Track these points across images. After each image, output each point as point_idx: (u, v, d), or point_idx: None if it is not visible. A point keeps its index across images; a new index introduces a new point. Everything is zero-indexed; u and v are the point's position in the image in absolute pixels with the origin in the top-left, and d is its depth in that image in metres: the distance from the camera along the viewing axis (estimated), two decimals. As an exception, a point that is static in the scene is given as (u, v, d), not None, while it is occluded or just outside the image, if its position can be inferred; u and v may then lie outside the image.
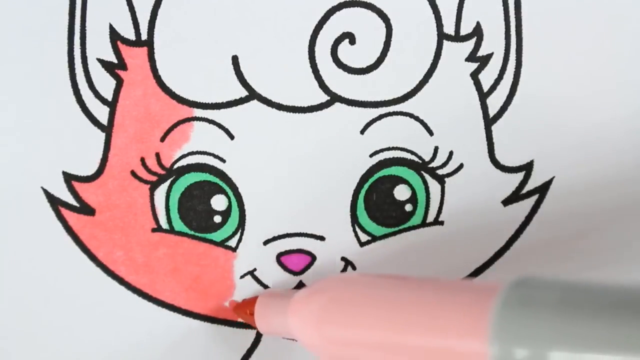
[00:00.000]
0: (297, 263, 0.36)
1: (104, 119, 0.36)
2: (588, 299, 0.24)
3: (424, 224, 0.37)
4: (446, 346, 0.26)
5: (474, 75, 0.36)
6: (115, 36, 0.36)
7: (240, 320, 0.36)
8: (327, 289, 0.31)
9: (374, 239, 0.37)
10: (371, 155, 0.36)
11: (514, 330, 0.24)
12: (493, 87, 0.36)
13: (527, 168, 0.37)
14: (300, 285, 0.36)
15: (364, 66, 0.36)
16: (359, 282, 0.31)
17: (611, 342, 0.22)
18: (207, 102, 0.36)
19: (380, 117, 0.36)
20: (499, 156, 0.37)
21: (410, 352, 0.27)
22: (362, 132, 0.36)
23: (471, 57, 0.36)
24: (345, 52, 0.36)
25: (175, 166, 0.36)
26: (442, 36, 0.36)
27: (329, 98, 0.36)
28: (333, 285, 0.31)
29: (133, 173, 0.36)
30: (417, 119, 0.36)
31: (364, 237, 0.37)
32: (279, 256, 0.36)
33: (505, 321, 0.24)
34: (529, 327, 0.24)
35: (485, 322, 0.24)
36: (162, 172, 0.36)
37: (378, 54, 0.36)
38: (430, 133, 0.36)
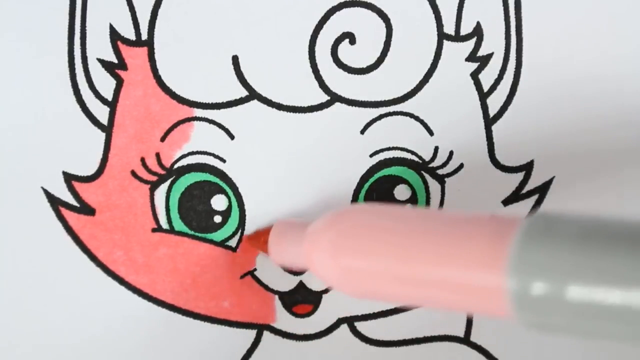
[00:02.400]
0: (297, 263, 0.36)
1: (104, 119, 0.36)
2: (608, 233, 0.23)
3: (424, 224, 0.37)
4: (463, 278, 0.25)
5: (474, 75, 0.36)
6: (115, 36, 0.36)
7: (241, 320, 0.36)
8: (345, 218, 0.30)
9: (374, 239, 0.37)
10: (371, 155, 0.36)
11: (533, 263, 0.24)
12: (493, 87, 0.36)
13: (527, 168, 0.37)
14: (300, 285, 0.36)
15: (364, 66, 0.36)
16: (377, 212, 0.30)
17: (630, 276, 0.22)
18: (207, 102, 0.36)
19: (380, 117, 0.36)
20: (499, 156, 0.37)
21: (425, 282, 0.26)
22: (362, 132, 0.36)
23: (471, 57, 0.36)
24: (345, 52, 0.36)
25: (176, 166, 0.36)
26: (442, 36, 0.36)
27: (329, 98, 0.36)
28: (351, 214, 0.30)
29: (133, 173, 0.36)
30: (417, 119, 0.36)
31: (364, 237, 0.36)
32: (279, 256, 0.36)
33: (524, 254, 0.24)
34: (548, 260, 0.23)
35: (504, 254, 0.24)
36: (162, 172, 0.36)
37: (378, 54, 0.36)
38: (430, 133, 0.36)
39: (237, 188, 0.36)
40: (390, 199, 0.36)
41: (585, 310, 0.23)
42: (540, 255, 0.24)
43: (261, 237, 0.35)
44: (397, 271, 0.27)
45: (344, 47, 0.36)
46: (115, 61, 0.36)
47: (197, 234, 0.36)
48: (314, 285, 0.36)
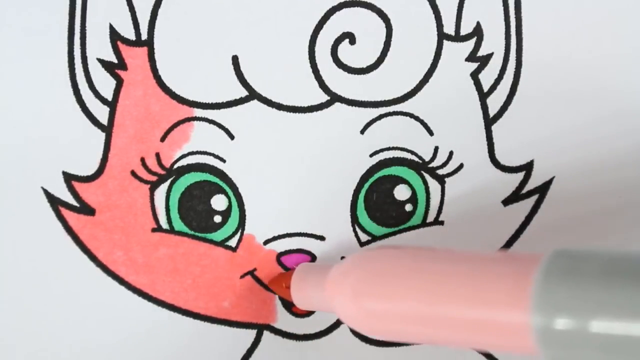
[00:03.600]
0: (297, 263, 0.36)
1: (104, 119, 0.36)
2: (630, 268, 0.24)
3: (424, 224, 0.37)
4: (487, 317, 0.26)
5: (474, 75, 0.36)
6: (115, 36, 0.36)
7: (241, 320, 0.36)
8: (366, 261, 0.30)
9: (374, 238, 0.37)
10: (371, 155, 0.36)
11: (556, 300, 0.24)
12: (493, 87, 0.36)
13: (527, 168, 0.37)
14: (300, 285, 0.36)
15: (364, 66, 0.36)
16: (398, 254, 0.30)
17: None
18: (207, 102, 0.36)
19: (380, 117, 0.36)
20: (499, 156, 0.37)
21: (449, 323, 0.27)
22: (362, 132, 0.36)
23: (471, 57, 0.36)
24: (345, 52, 0.36)
25: (176, 166, 0.36)
26: (442, 36, 0.36)
27: (329, 98, 0.36)
28: (371, 257, 0.30)
29: (133, 173, 0.36)
30: (417, 119, 0.36)
31: (364, 237, 0.37)
32: (279, 256, 0.36)
33: (547, 291, 0.24)
34: (572, 297, 0.24)
35: (527, 292, 0.24)
36: (162, 172, 0.36)
37: (378, 54, 0.36)
38: (430, 133, 0.36)
39: (237, 188, 0.36)
40: (390, 199, 0.36)
41: (609, 344, 0.23)
42: (563, 292, 0.24)
43: (282, 282, 0.35)
44: (421, 313, 0.28)
45: (344, 47, 0.36)
46: (115, 61, 0.36)
47: (197, 234, 0.36)
48: (314, 285, 0.36)
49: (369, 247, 0.33)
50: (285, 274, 0.36)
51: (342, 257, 0.36)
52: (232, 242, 0.36)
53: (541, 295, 0.24)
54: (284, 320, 0.37)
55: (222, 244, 0.36)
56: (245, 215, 0.36)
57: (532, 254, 0.26)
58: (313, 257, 0.36)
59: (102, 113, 0.36)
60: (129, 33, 0.36)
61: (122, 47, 0.36)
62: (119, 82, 0.36)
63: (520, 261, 0.26)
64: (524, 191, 0.37)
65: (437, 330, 0.27)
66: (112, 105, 0.36)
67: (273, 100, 0.36)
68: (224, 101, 0.36)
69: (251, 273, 0.36)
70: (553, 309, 0.24)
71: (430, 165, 0.36)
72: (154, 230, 0.36)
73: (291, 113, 0.36)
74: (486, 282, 0.26)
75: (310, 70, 0.36)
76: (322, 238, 0.36)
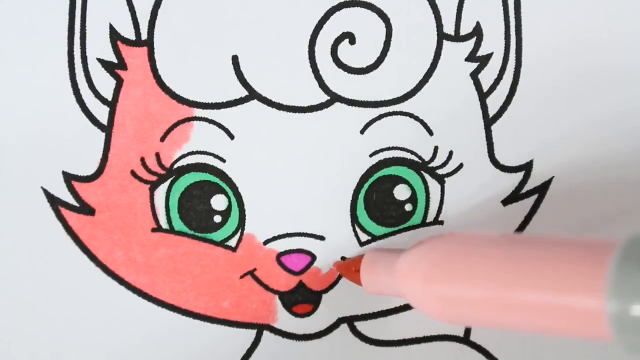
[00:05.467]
0: (297, 263, 0.36)
1: (104, 119, 0.36)
2: None
3: (424, 224, 0.37)
4: (561, 302, 0.25)
5: (474, 75, 0.36)
6: (115, 36, 0.36)
7: (241, 320, 0.36)
8: (436, 246, 0.30)
9: (374, 238, 0.37)
10: (371, 155, 0.36)
11: (633, 286, 0.24)
12: (493, 87, 0.36)
13: (527, 168, 0.37)
14: (300, 285, 0.36)
15: (364, 66, 0.36)
16: (469, 239, 0.30)
17: None
18: (207, 102, 0.36)
19: (380, 117, 0.36)
20: (499, 156, 0.37)
21: (521, 308, 0.27)
22: (362, 132, 0.36)
23: (471, 57, 0.36)
24: (346, 52, 0.36)
25: (176, 166, 0.36)
26: (442, 36, 0.36)
27: (329, 98, 0.36)
28: (442, 242, 0.30)
29: (133, 173, 0.36)
30: (417, 119, 0.36)
31: (364, 237, 0.37)
32: (279, 256, 0.36)
33: (623, 276, 0.24)
34: None
35: (603, 278, 0.24)
36: (162, 172, 0.36)
37: (378, 54, 0.36)
38: (430, 133, 0.36)
39: (237, 188, 0.36)
40: (390, 199, 0.36)
41: None
42: None
43: (352, 267, 0.35)
44: (492, 298, 0.27)
45: (344, 47, 0.36)
46: (115, 61, 0.36)
47: (197, 234, 0.36)
48: (314, 285, 0.36)
49: (439, 234, 0.32)
50: (356, 258, 0.35)
51: (343, 258, 0.36)
52: (232, 242, 0.36)
53: (618, 280, 0.24)
54: (284, 320, 0.37)
55: (222, 244, 0.36)
56: (245, 215, 0.36)
57: (607, 240, 0.26)
58: (313, 257, 0.36)
59: (102, 113, 0.36)
60: (129, 33, 0.36)
61: (122, 47, 0.36)
62: (119, 82, 0.36)
63: (596, 247, 0.26)
64: (523, 191, 0.37)
65: (508, 315, 0.27)
66: (112, 105, 0.36)
67: (273, 100, 0.36)
68: (224, 101, 0.36)
69: (251, 273, 0.36)
70: (630, 295, 0.24)
71: (430, 165, 0.36)
72: (154, 230, 0.36)
73: (291, 113, 0.36)
74: (560, 267, 0.26)
75: (310, 70, 0.36)
76: (322, 238, 0.36)
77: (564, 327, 0.26)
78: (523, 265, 0.27)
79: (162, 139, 0.36)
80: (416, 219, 0.37)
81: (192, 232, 0.36)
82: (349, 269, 0.35)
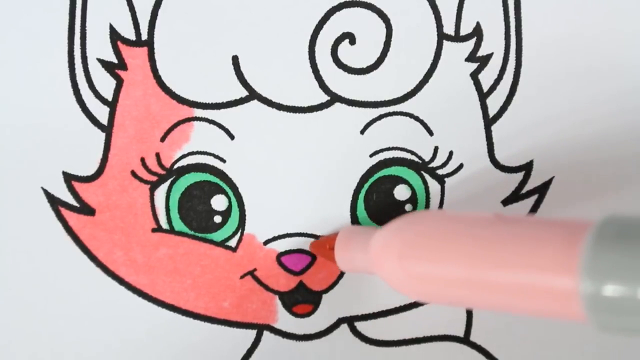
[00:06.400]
0: (297, 263, 0.36)
1: (104, 119, 0.36)
2: None
3: (424, 224, 0.37)
4: (535, 282, 0.25)
5: (474, 75, 0.36)
6: (115, 36, 0.36)
7: (241, 320, 0.36)
8: (411, 224, 0.30)
9: (374, 239, 0.37)
10: (371, 155, 0.36)
11: (606, 266, 0.23)
12: (493, 87, 0.37)
13: (527, 168, 0.37)
14: (300, 285, 0.36)
15: (364, 66, 0.36)
16: (444, 218, 0.30)
17: None
18: (207, 102, 0.36)
19: (380, 117, 0.36)
20: (498, 156, 0.37)
21: (495, 287, 0.26)
22: (362, 132, 0.36)
23: (471, 57, 0.36)
24: (346, 52, 0.36)
25: (176, 166, 0.36)
26: (442, 36, 0.36)
27: (329, 98, 0.36)
28: (417, 220, 0.30)
29: (133, 173, 0.36)
30: (417, 119, 0.36)
31: (364, 237, 0.37)
32: (279, 256, 0.36)
33: (597, 256, 0.24)
34: (622, 262, 0.23)
35: (576, 257, 0.24)
36: (162, 172, 0.36)
37: (378, 54, 0.36)
38: (430, 133, 0.36)
39: (237, 188, 0.36)
40: (390, 199, 0.36)
41: None
42: (613, 257, 0.23)
43: (326, 244, 0.35)
44: (466, 276, 0.27)
45: (344, 47, 0.36)
46: (115, 61, 0.36)
47: (197, 234, 0.36)
48: (314, 285, 0.36)
49: (414, 212, 0.32)
50: (330, 236, 0.35)
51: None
52: (232, 242, 0.36)
53: (591, 260, 0.24)
54: (284, 320, 0.37)
55: (222, 244, 0.36)
56: (245, 215, 0.36)
57: (582, 220, 0.25)
58: (313, 257, 0.36)
59: (102, 113, 0.36)
60: (129, 33, 0.36)
61: (122, 47, 0.36)
62: (119, 82, 0.36)
63: (571, 226, 0.25)
64: (523, 191, 0.37)
65: (481, 294, 0.27)
66: (112, 105, 0.36)
67: (273, 100, 0.36)
68: (224, 101, 0.36)
69: (251, 273, 0.36)
70: (603, 275, 0.23)
71: (430, 165, 0.36)
72: (154, 230, 0.36)
73: (291, 113, 0.36)
74: (534, 246, 0.25)
75: (310, 70, 0.36)
76: (322, 238, 0.36)
77: (537, 307, 0.26)
78: (496, 244, 0.27)
79: (162, 139, 0.36)
80: (416, 219, 0.37)
81: (192, 232, 0.36)
82: (322, 246, 0.35)
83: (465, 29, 0.36)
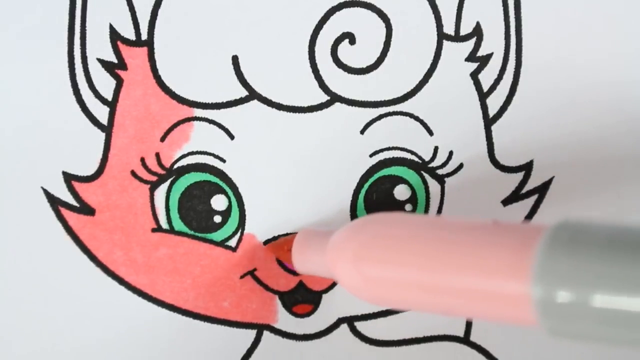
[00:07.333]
0: (297, 263, 0.36)
1: (104, 119, 0.36)
2: (632, 240, 0.23)
3: (424, 224, 0.37)
4: (488, 287, 0.25)
5: (474, 75, 0.36)
6: (115, 36, 0.36)
7: (241, 320, 0.36)
8: (367, 226, 0.30)
9: (374, 238, 0.36)
10: (371, 155, 0.36)
11: (558, 272, 0.23)
12: (493, 87, 0.37)
13: (527, 168, 0.37)
14: (300, 285, 0.36)
15: (364, 66, 0.36)
16: (400, 221, 0.30)
17: None
18: (207, 102, 0.36)
19: (380, 117, 0.36)
20: (498, 156, 0.37)
21: (449, 291, 0.26)
22: (362, 132, 0.36)
23: (471, 57, 0.36)
24: (345, 52, 0.36)
25: (175, 166, 0.36)
26: (442, 36, 0.36)
27: (329, 98, 0.36)
28: (373, 222, 0.30)
29: (133, 173, 0.36)
30: (417, 119, 0.36)
31: (364, 237, 0.36)
32: (279, 256, 0.36)
33: (549, 262, 0.24)
34: (573, 268, 0.23)
35: (529, 263, 0.24)
36: (162, 172, 0.36)
37: (378, 54, 0.36)
38: (430, 133, 0.36)
39: (237, 188, 0.36)
40: (390, 199, 0.36)
41: (610, 317, 0.23)
42: (566, 263, 0.23)
43: (284, 246, 0.35)
44: (420, 280, 0.27)
45: (344, 47, 0.36)
46: (115, 61, 0.36)
47: (197, 234, 0.36)
48: (314, 285, 0.36)
49: (372, 214, 0.32)
50: (288, 238, 0.35)
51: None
52: (232, 242, 0.36)
53: (543, 266, 0.24)
54: (284, 320, 0.37)
55: (222, 244, 0.36)
56: (245, 215, 0.36)
57: (536, 225, 0.26)
58: (313, 257, 0.36)
59: (102, 113, 0.36)
60: (129, 33, 0.36)
61: (122, 47, 0.36)
62: (119, 82, 0.36)
63: (524, 232, 0.25)
64: (523, 191, 0.37)
65: (436, 298, 0.27)
66: (112, 105, 0.36)
67: (273, 100, 0.36)
68: (224, 101, 0.36)
69: (251, 273, 0.36)
70: (554, 281, 0.23)
71: (430, 165, 0.36)
72: (154, 230, 0.36)
73: (291, 113, 0.36)
74: (488, 251, 0.25)
75: (310, 70, 0.36)
76: (322, 238, 0.36)
77: (490, 312, 0.26)
78: (451, 248, 0.27)
79: (162, 139, 0.36)
80: (416, 219, 0.37)
81: (192, 232, 0.36)
82: (280, 247, 0.35)
83: (465, 29, 0.36)
